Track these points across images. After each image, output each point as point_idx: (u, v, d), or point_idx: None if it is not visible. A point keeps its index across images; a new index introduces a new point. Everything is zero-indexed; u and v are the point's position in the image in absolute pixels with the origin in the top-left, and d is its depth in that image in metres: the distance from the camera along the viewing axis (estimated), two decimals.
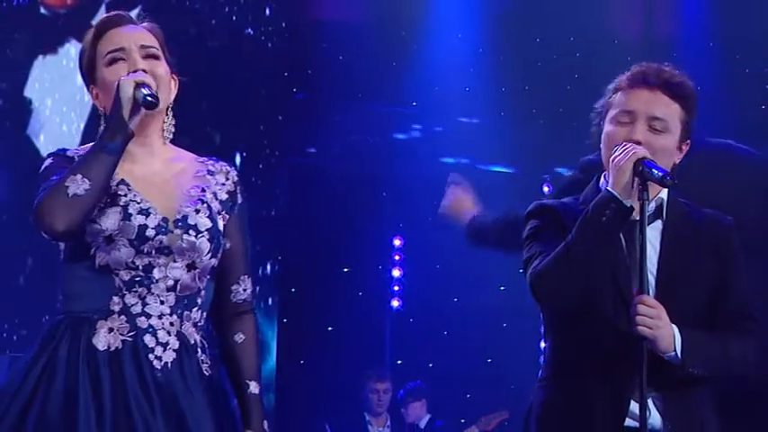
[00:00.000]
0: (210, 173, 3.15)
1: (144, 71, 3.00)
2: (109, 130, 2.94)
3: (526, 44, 8.94)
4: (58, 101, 8.02)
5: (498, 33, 8.97)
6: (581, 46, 8.70)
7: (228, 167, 3.19)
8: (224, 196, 3.13)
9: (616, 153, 3.21)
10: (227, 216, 3.12)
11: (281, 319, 8.72)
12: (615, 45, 8.62)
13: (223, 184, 3.15)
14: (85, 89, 3.15)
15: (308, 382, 8.77)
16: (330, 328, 9.20)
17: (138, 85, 2.94)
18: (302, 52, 8.91)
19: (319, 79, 9.03)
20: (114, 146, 2.93)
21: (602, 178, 3.35)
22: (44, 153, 8.06)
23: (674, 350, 3.17)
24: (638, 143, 3.24)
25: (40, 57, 8.02)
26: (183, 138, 3.19)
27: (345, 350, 8.89)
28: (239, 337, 3.13)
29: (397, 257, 9.59)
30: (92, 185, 2.88)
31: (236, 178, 3.18)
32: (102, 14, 7.92)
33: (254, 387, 3.10)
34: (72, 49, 7.96)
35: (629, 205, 3.15)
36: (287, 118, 8.96)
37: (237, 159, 8.44)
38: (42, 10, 8.04)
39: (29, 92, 8.01)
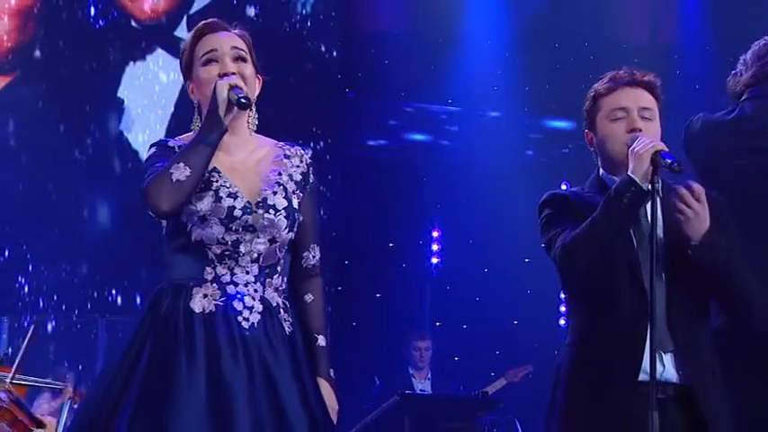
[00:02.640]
0: (287, 156, 3.19)
1: (234, 73, 3.07)
2: (207, 126, 3.01)
3: (547, 49, 8.99)
4: (144, 101, 8.13)
5: (523, 39, 9.03)
6: (594, 50, 8.72)
7: (302, 151, 3.23)
8: (298, 177, 3.17)
9: (636, 145, 3.26)
10: (301, 194, 3.17)
11: (336, 287, 8.81)
12: (624, 49, 8.65)
13: (297, 166, 3.19)
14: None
15: (359, 341, 8.87)
16: (378, 295, 9.33)
17: (232, 88, 3.00)
18: (353, 57, 9.00)
19: (368, 80, 9.11)
20: (211, 139, 2.99)
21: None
22: (134, 146, 8.21)
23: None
24: (639, 130, 3.33)
25: (131, 63, 8.14)
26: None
27: (391, 313, 9.02)
28: (309, 297, 3.19)
29: (435, 234, 9.66)
30: (192, 172, 2.95)
31: (308, 161, 3.23)
32: (183, 27, 8.06)
33: (321, 340, 3.14)
34: (160, 58, 8.10)
35: (646, 189, 3.23)
36: (340, 114, 9.04)
37: None
38: (133, 23, 8.17)
39: (121, 93, 8.14)
